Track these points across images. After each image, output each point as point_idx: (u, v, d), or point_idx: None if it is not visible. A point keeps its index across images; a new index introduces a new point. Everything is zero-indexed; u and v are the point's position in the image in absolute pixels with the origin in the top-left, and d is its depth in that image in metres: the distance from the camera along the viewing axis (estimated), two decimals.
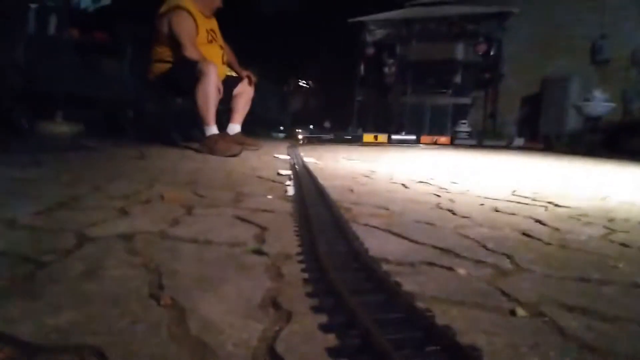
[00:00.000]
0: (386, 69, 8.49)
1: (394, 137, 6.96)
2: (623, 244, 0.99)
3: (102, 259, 0.71)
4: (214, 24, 3.25)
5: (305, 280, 0.65)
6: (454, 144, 6.82)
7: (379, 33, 8.25)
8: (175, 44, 2.94)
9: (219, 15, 3.31)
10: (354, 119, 8.38)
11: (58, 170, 1.81)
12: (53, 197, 1.19)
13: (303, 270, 0.69)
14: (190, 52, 2.89)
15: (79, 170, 1.91)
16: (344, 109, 8.74)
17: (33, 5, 3.44)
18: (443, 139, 6.87)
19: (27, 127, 2.38)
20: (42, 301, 0.53)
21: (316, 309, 0.55)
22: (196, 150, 2.94)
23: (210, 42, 3.16)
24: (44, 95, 2.99)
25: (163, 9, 3.00)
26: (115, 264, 0.69)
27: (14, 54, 2.43)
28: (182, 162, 2.39)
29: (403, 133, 7.24)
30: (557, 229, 1.11)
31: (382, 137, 6.86)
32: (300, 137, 3.85)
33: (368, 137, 6.87)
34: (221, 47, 3.27)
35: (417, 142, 6.88)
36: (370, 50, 8.23)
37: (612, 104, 6.41)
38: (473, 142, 7.07)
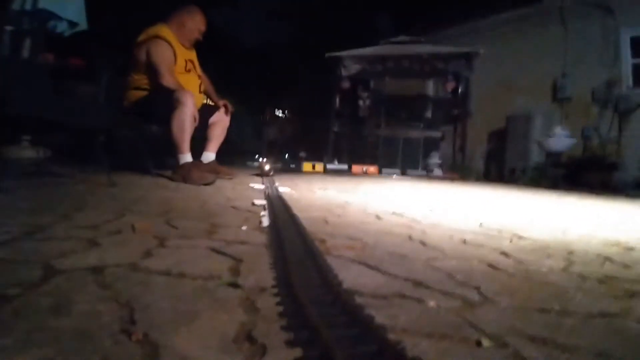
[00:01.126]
0: (361, 102, 8.76)
1: (329, 166, 7.33)
2: (581, 276, 1.05)
3: (71, 293, 0.69)
4: (192, 54, 3.31)
5: (280, 314, 0.66)
6: (381, 173, 7.21)
7: (354, 68, 8.54)
8: (152, 72, 2.96)
9: (199, 45, 3.37)
10: (329, 149, 8.51)
11: (23, 197, 1.74)
12: (18, 225, 1.15)
13: (278, 304, 0.70)
14: (167, 81, 2.91)
15: (46, 197, 1.85)
16: (320, 139, 8.88)
17: (8, 28, 3.38)
18: (372, 169, 7.26)
19: None
20: (10, 337, 0.52)
21: (291, 343, 0.56)
22: (169, 179, 2.90)
23: (188, 71, 3.20)
24: (13, 119, 2.91)
25: (142, 37, 3.03)
26: (85, 298, 0.68)
27: None
28: (154, 190, 2.36)
29: (336, 162, 7.66)
30: (520, 261, 1.17)
31: (319, 166, 7.18)
32: (266, 167, 3.86)
33: (307, 166, 7.27)
34: (199, 77, 3.32)
35: (349, 170, 7.22)
36: (346, 84, 8.49)
37: (573, 140, 6.80)
38: (397, 171, 7.59)
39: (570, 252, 1.34)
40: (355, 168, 7.30)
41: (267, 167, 3.84)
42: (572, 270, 1.11)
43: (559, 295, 0.88)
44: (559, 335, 0.67)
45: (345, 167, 7.50)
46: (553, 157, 6.81)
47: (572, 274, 1.07)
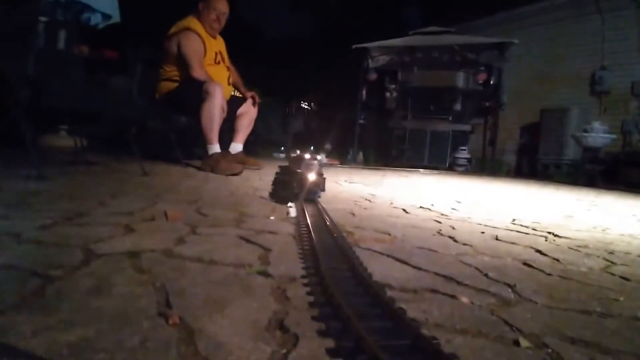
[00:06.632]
0: (388, 94, 8.62)
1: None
2: (623, 277, 1.00)
3: (110, 276, 0.71)
4: (221, 45, 3.34)
5: (311, 304, 0.66)
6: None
7: (382, 59, 8.40)
8: (183, 64, 3.01)
9: (227, 37, 3.40)
10: (355, 141, 8.44)
11: (62, 185, 1.82)
12: (58, 211, 1.21)
13: (308, 294, 0.70)
14: (197, 73, 2.96)
15: (83, 185, 1.92)
16: (346, 131, 8.82)
17: (42, 19, 3.49)
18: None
19: (31, 140, 2.41)
20: (53, 317, 0.54)
21: (322, 333, 0.55)
22: (198, 169, 2.96)
23: (217, 63, 3.23)
24: (50, 110, 3.03)
25: (173, 30, 3.09)
26: (123, 281, 0.70)
27: (24, 67, 2.47)
28: (184, 180, 2.41)
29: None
30: (557, 260, 1.12)
31: None
32: (310, 176, 2.09)
33: None
34: (228, 68, 3.35)
35: None
36: (373, 76, 8.35)
37: (612, 135, 6.46)
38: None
39: (611, 252, 1.28)
40: None
41: (310, 177, 1.70)
42: (612, 271, 1.05)
43: (600, 296, 0.84)
44: (601, 337, 0.64)
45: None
46: (590, 153, 6.49)
47: (614, 275, 1.02)
